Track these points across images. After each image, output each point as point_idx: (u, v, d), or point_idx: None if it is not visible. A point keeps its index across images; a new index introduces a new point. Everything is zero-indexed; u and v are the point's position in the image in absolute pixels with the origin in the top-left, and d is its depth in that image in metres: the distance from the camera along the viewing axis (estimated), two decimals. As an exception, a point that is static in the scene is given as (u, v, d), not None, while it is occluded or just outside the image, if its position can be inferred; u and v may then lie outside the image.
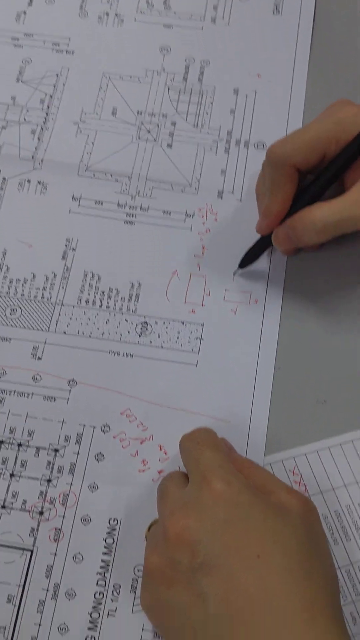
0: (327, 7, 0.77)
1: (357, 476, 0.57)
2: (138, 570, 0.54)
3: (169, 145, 0.71)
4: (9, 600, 0.54)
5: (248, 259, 0.64)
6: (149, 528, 0.54)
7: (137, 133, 0.71)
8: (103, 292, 0.64)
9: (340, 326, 0.63)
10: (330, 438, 0.59)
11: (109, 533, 0.56)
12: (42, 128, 0.71)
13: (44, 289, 0.64)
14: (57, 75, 0.74)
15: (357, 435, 0.58)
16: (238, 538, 0.45)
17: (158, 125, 0.72)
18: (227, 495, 0.47)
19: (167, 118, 0.72)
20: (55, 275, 0.65)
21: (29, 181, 0.69)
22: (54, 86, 0.74)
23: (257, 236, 0.63)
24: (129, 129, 0.71)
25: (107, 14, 0.77)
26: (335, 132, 0.56)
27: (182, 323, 0.63)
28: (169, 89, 0.74)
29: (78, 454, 0.58)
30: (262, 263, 0.65)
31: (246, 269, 0.65)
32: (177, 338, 0.62)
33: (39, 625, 0.53)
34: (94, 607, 0.53)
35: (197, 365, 0.61)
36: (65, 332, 0.62)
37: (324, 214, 0.56)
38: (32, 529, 0.56)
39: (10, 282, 0.64)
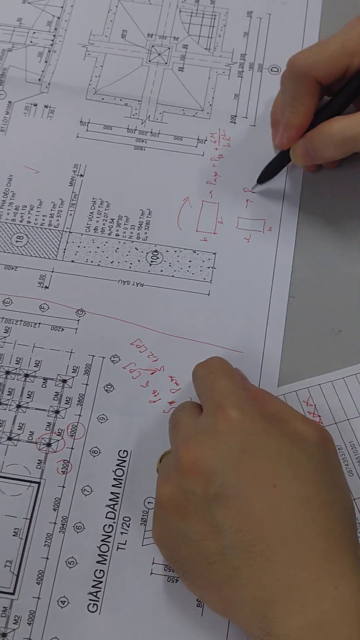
0: None
1: (373, 407, 0.56)
2: (148, 503, 0.54)
3: (181, 69, 0.69)
4: (15, 534, 0.53)
5: (267, 174, 0.63)
6: (160, 460, 0.53)
7: (147, 56, 0.69)
8: (112, 220, 0.62)
9: (356, 253, 0.62)
10: (345, 368, 0.58)
11: (118, 465, 0.55)
12: (49, 50, 0.69)
13: (51, 216, 0.62)
14: (65, -4, 0.72)
15: (372, 365, 0.57)
16: (253, 467, 0.44)
17: (169, 49, 0.70)
18: (242, 423, 0.45)
19: (178, 41, 0.70)
20: (62, 202, 0.63)
21: (35, 105, 0.67)
22: (62, 7, 0.72)
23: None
24: (139, 51, 0.69)
25: None
26: (358, 45, 0.55)
27: (194, 252, 0.61)
28: (180, 11, 0.71)
29: (87, 384, 0.57)
30: (277, 186, 0.64)
31: (264, 188, 0.64)
32: (189, 267, 0.61)
33: (47, 559, 0.52)
34: (103, 541, 0.52)
35: (209, 294, 0.60)
36: (73, 261, 0.61)
37: (342, 127, 0.55)
38: (40, 461, 0.55)
39: (17, 208, 0.63)
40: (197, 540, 0.44)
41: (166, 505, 0.46)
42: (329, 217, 0.63)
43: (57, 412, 0.56)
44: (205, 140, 0.66)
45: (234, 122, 0.66)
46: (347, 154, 0.57)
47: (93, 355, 0.58)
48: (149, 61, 0.69)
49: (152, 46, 0.70)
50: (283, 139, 0.59)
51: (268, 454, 0.45)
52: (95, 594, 0.51)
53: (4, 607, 0.51)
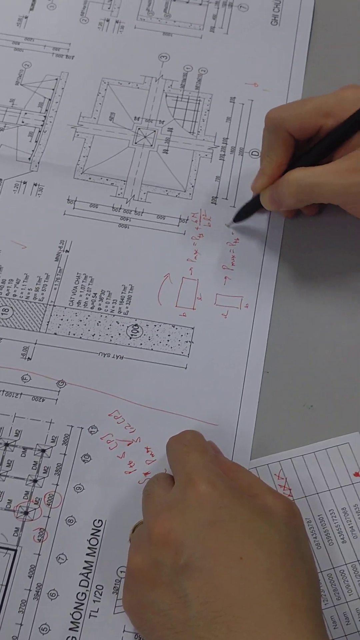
0: (324, 19, 0.77)
1: (342, 481, 0.57)
2: (121, 572, 0.54)
3: (165, 151, 0.71)
4: (-9, 599, 0.54)
5: (242, 214, 0.66)
6: (133, 530, 0.54)
7: (133, 138, 0.71)
8: (95, 294, 0.64)
9: (328, 332, 0.63)
10: (316, 443, 0.59)
11: (93, 534, 0.56)
12: (39, 131, 0.72)
13: (36, 289, 0.64)
14: (57, 80, 0.75)
15: (342, 440, 0.59)
16: (221, 540, 0.45)
17: (155, 131, 0.72)
18: (211, 496, 0.47)
19: (164, 124, 0.72)
20: (47, 277, 0.65)
21: (25, 183, 0.69)
22: (53, 90, 0.74)
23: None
24: (125, 134, 0.72)
25: (108, 21, 0.78)
26: (334, 107, 0.58)
27: (173, 326, 0.63)
28: (166, 96, 0.74)
29: (65, 454, 0.58)
30: (255, 262, 0.66)
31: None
32: (168, 341, 0.62)
33: (20, 625, 0.53)
34: (75, 608, 0.53)
35: (186, 368, 0.61)
36: (56, 333, 0.62)
37: (298, 176, 0.57)
38: (17, 529, 0.56)
39: (3, 282, 0.64)
40: (165, 610, 0.45)
41: (136, 574, 0.47)
42: (302, 301, 0.64)
43: (35, 481, 0.57)
44: (187, 219, 0.67)
45: (215, 203, 0.68)
46: (305, 203, 0.60)
47: (72, 426, 0.59)
48: (135, 143, 0.71)
49: (139, 129, 0.72)
50: (256, 184, 0.62)
51: (236, 527, 0.46)
52: (66, 661, 0.52)
53: (-24, 673, 0.51)
